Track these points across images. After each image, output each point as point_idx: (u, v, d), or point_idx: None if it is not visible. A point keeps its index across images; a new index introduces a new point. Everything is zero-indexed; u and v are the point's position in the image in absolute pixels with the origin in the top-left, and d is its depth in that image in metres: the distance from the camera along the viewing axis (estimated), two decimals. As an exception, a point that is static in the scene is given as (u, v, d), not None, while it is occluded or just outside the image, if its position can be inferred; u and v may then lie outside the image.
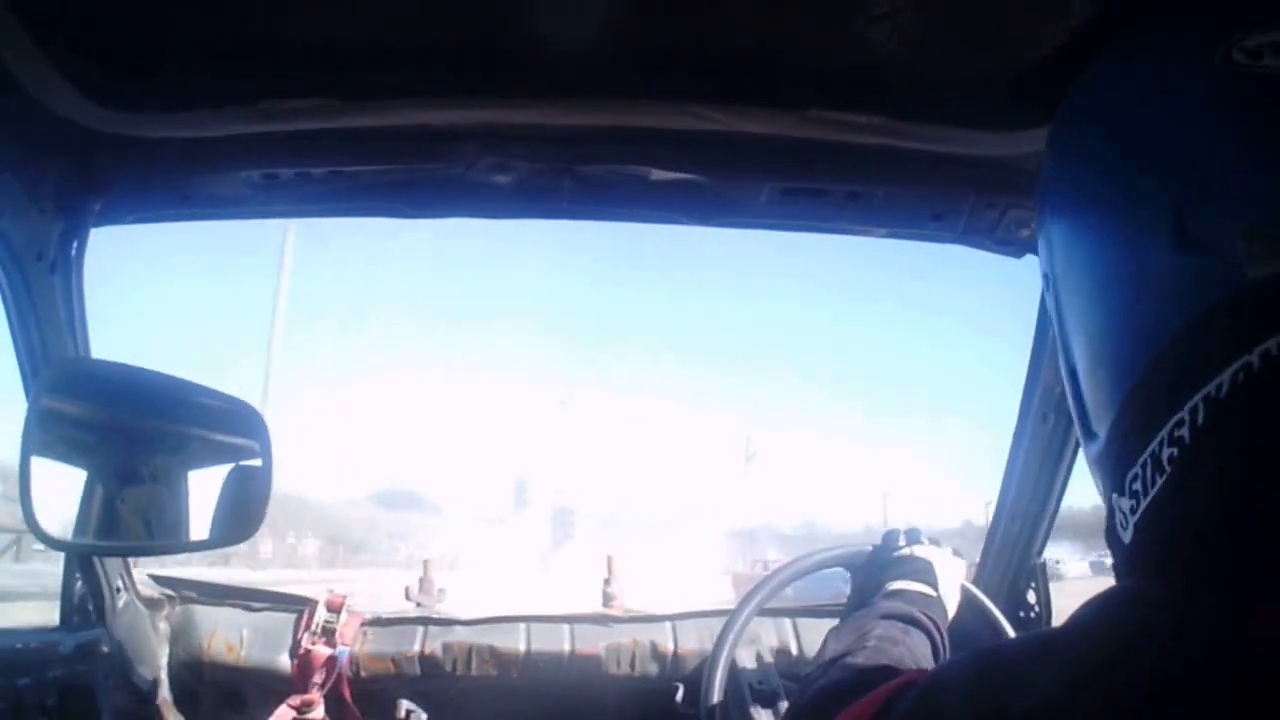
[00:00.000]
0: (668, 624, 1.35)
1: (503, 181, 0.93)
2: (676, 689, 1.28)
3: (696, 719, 1.12)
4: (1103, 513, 0.39)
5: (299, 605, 1.34)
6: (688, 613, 1.37)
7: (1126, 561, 0.36)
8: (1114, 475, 0.37)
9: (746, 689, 1.19)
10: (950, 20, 0.71)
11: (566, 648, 1.33)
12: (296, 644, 1.29)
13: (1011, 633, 1.13)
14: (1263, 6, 0.36)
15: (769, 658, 1.30)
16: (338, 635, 1.30)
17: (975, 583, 1.26)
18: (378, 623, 1.34)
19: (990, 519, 1.29)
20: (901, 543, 1.02)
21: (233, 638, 1.31)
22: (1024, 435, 1.17)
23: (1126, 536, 0.35)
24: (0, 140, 0.84)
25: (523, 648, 1.32)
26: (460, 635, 1.33)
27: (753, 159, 0.91)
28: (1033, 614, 1.25)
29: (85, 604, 1.14)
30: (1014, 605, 1.25)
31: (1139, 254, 0.37)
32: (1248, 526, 0.30)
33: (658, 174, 0.93)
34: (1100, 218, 0.40)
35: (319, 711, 1.27)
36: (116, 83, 0.77)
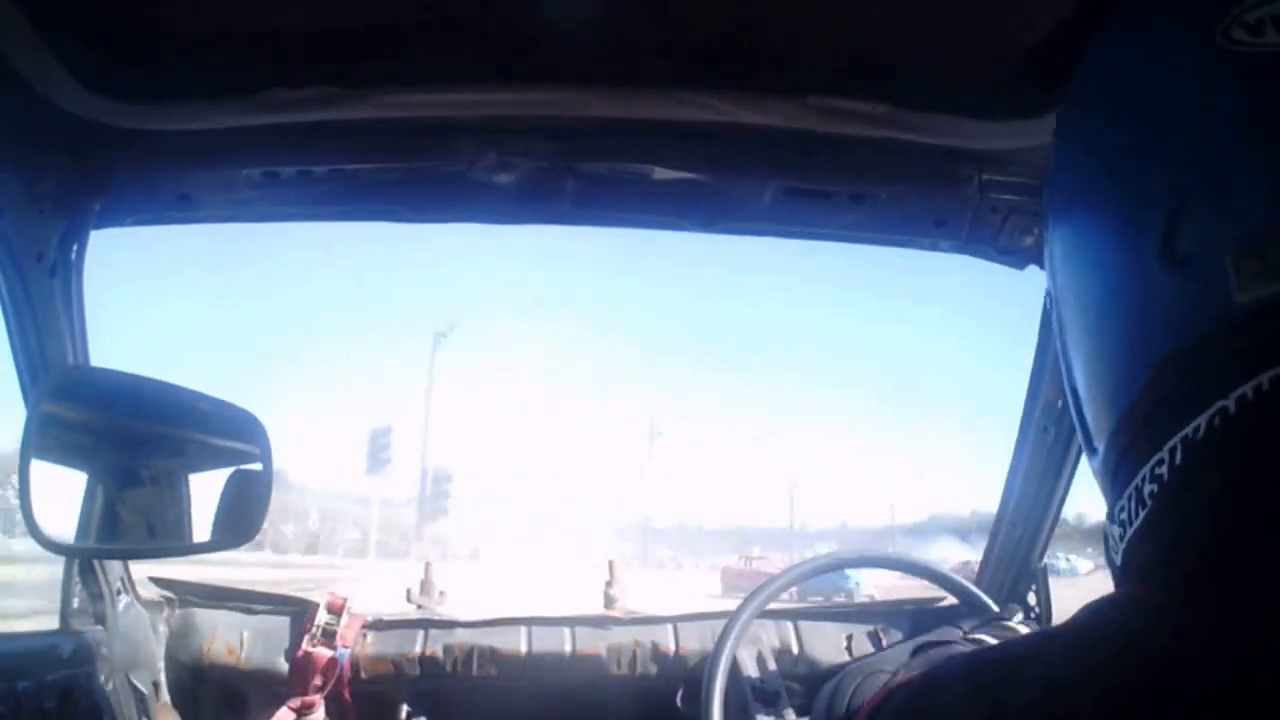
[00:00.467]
0: (669, 625, 1.36)
1: (504, 181, 0.92)
2: (677, 689, 1.28)
3: (697, 719, 1.12)
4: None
5: (300, 607, 1.34)
6: (689, 614, 1.38)
7: (1122, 574, 0.36)
8: (1109, 494, 0.37)
9: (748, 689, 1.19)
10: (950, 1, 0.71)
11: (568, 649, 1.33)
12: (297, 646, 1.29)
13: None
14: None
15: (770, 658, 1.30)
16: (338, 637, 1.29)
17: (977, 584, 1.28)
18: (378, 625, 1.34)
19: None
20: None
21: (233, 640, 1.31)
22: (1025, 446, 1.18)
23: (1117, 559, 0.35)
24: (0, 137, 0.84)
25: (524, 649, 1.32)
26: (461, 637, 1.33)
27: (754, 153, 0.91)
28: (1032, 615, 1.25)
29: (85, 607, 1.14)
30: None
31: (1131, 261, 0.36)
32: (1251, 533, 0.29)
33: (660, 172, 0.92)
34: (1100, 217, 0.38)
35: (320, 714, 1.27)
36: (115, 71, 0.77)
